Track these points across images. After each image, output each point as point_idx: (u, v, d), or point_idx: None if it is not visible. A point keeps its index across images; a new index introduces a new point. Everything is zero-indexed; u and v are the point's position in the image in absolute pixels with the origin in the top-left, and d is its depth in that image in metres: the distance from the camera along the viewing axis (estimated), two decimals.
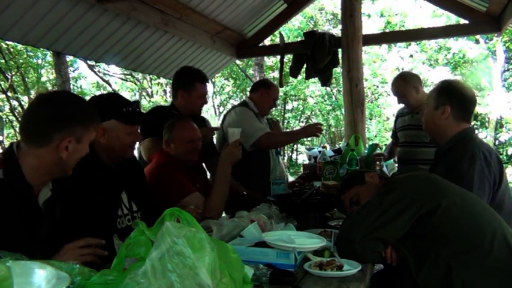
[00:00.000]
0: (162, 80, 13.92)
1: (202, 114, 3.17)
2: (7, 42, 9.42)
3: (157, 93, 15.42)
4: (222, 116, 3.68)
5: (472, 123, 2.28)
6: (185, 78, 2.94)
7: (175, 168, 2.43)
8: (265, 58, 12.72)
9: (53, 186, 1.59)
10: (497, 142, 13.74)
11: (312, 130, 3.38)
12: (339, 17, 7.40)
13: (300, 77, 6.26)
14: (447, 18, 12.18)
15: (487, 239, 1.56)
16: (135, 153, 2.44)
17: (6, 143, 12.25)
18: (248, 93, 3.64)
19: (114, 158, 2.01)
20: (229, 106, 16.26)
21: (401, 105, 3.59)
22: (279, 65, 5.73)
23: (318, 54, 5.05)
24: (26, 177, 1.47)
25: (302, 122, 16.25)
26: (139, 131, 2.06)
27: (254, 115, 3.31)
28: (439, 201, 1.61)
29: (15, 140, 1.58)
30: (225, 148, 2.52)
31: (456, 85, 2.25)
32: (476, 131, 13.83)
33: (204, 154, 2.89)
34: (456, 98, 2.15)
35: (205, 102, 3.02)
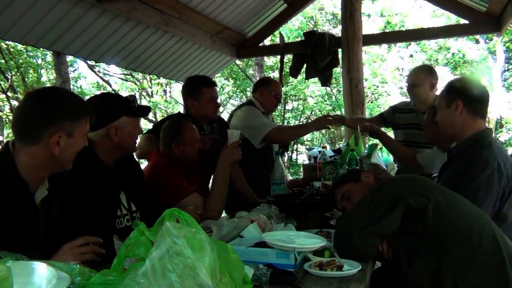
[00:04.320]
0: (162, 80, 13.90)
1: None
2: (7, 42, 9.41)
3: (157, 93, 15.40)
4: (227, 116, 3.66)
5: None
6: (191, 87, 2.93)
7: (174, 170, 2.44)
8: (265, 58, 12.70)
9: (49, 185, 1.59)
10: None
11: (322, 122, 3.33)
12: (339, 17, 7.40)
13: (300, 77, 6.25)
14: (447, 18, 12.18)
15: (475, 234, 1.60)
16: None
17: None
18: (251, 94, 3.64)
19: (120, 155, 2.03)
20: (229, 106, 16.24)
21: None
22: (279, 65, 5.73)
23: (318, 54, 5.06)
24: (21, 174, 1.47)
25: (302, 122, 16.24)
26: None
27: (261, 113, 3.29)
28: (427, 197, 1.64)
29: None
30: (224, 149, 2.53)
31: (464, 80, 2.22)
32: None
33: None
34: (466, 91, 2.08)
35: (218, 105, 3.00)
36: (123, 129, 1.96)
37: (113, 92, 13.12)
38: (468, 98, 2.06)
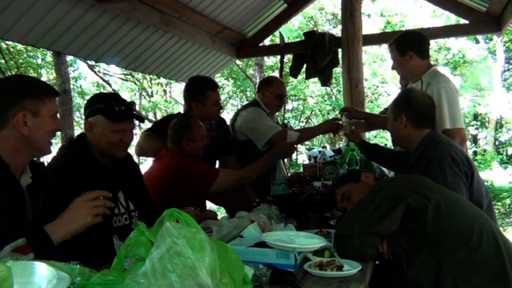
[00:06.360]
0: (162, 80, 13.89)
1: None
2: (7, 42, 9.41)
3: (157, 93, 15.40)
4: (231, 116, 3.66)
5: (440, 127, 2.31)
6: (196, 89, 2.93)
7: (196, 160, 2.61)
8: (265, 58, 12.69)
9: (32, 174, 1.61)
10: (497, 142, 13.74)
11: (326, 127, 3.34)
12: (339, 17, 7.39)
13: (300, 77, 6.25)
14: (447, 18, 12.17)
15: (474, 234, 1.61)
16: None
17: None
18: (254, 94, 3.64)
19: (105, 156, 2.02)
20: (229, 106, 16.23)
21: None
22: (279, 65, 5.73)
23: (318, 54, 5.05)
24: (3, 158, 1.49)
25: (302, 122, 16.24)
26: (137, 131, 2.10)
27: (266, 114, 3.28)
28: (427, 197, 1.66)
29: None
30: (281, 144, 2.82)
31: (409, 94, 2.31)
32: (477, 131, 13.91)
33: (220, 153, 3.05)
34: (410, 106, 2.19)
35: (221, 107, 3.04)
36: (97, 128, 1.96)
37: (113, 91, 13.11)
38: (411, 112, 2.17)
